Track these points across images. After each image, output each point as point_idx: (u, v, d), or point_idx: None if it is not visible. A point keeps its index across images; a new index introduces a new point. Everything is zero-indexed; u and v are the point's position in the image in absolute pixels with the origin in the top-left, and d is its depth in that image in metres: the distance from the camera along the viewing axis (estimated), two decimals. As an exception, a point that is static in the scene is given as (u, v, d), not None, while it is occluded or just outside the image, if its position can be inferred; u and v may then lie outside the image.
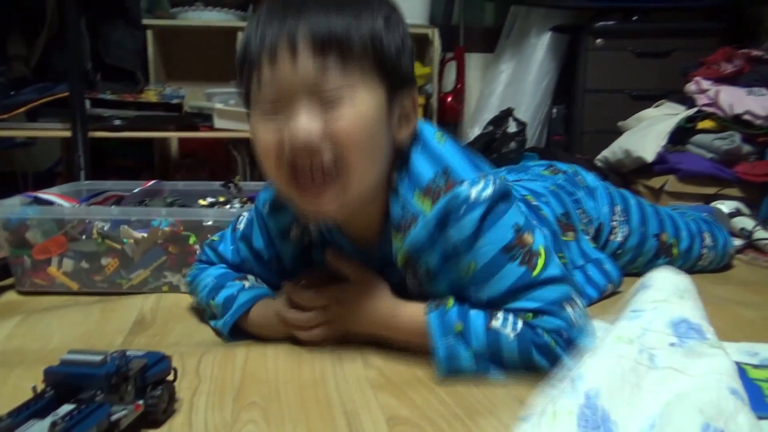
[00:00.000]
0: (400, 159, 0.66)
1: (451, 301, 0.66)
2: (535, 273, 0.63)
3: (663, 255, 1.04)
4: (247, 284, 0.77)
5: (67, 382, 0.50)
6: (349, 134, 0.59)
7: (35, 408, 0.48)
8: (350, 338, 0.71)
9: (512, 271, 0.63)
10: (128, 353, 0.53)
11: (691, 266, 1.06)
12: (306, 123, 0.58)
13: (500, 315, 0.64)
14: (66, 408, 0.48)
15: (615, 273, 0.92)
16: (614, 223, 0.99)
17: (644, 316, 0.55)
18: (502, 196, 0.64)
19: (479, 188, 0.63)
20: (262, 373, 0.64)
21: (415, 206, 0.64)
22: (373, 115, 0.60)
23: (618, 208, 1.00)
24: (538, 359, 0.62)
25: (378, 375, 0.64)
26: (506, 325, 0.62)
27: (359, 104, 0.59)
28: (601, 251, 0.96)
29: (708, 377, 0.48)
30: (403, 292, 0.70)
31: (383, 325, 0.69)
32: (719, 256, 1.10)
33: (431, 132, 0.68)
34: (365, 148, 0.61)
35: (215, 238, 0.85)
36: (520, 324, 0.62)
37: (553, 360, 0.61)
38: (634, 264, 1.03)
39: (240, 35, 2.20)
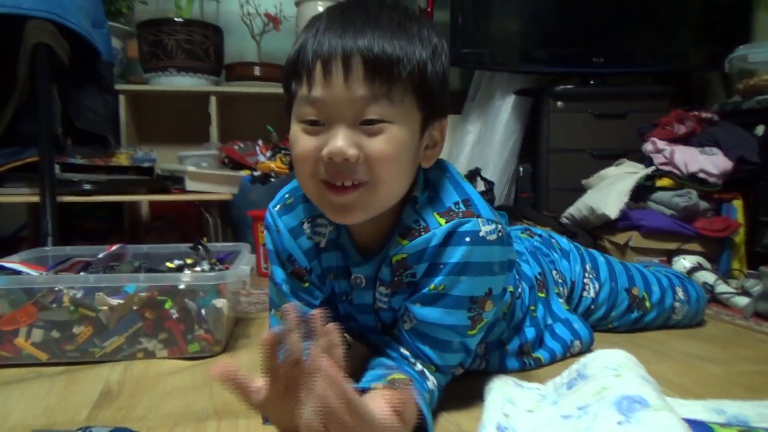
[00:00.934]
0: (425, 180, 0.71)
1: (401, 376, 0.64)
2: (470, 332, 0.69)
3: (636, 308, 1.07)
4: None
5: None
6: (383, 158, 0.63)
7: None
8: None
9: (460, 317, 0.68)
10: (93, 430, 0.52)
11: (665, 319, 1.10)
12: (345, 146, 0.61)
13: (423, 370, 0.68)
14: None
15: (584, 332, 0.94)
16: (586, 280, 1.04)
17: (590, 409, 0.60)
18: (510, 264, 0.71)
19: (489, 229, 0.67)
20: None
21: (431, 220, 0.68)
22: (406, 141, 0.64)
23: (588, 266, 1.05)
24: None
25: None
26: (432, 383, 0.68)
27: (396, 131, 0.63)
28: (574, 311, 1.00)
29: None
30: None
31: None
32: (693, 310, 1.13)
33: (455, 170, 0.74)
34: (395, 170, 0.65)
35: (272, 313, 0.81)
36: (435, 381, 0.69)
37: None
38: (608, 319, 1.06)
39: (212, 99, 2.25)
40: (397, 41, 0.61)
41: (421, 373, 0.68)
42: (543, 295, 0.93)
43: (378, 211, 0.68)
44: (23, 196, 1.61)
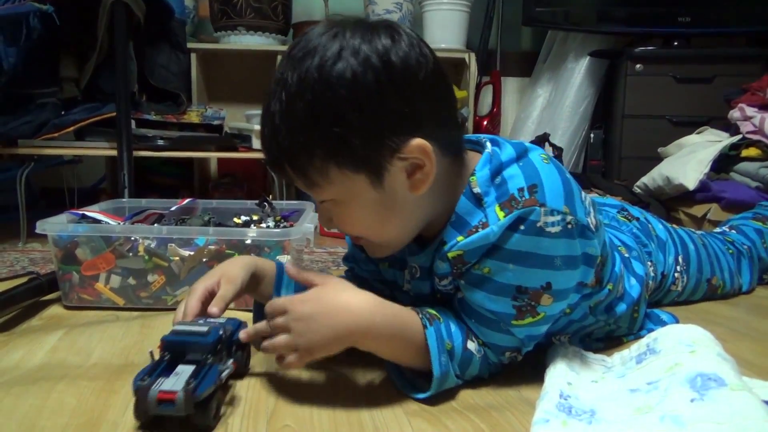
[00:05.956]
0: (497, 165, 0.65)
1: (435, 313, 0.66)
2: (515, 322, 0.65)
3: (709, 291, 1.05)
4: None
5: (179, 348, 0.60)
6: (348, 228, 0.67)
7: (159, 369, 0.58)
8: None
9: (503, 304, 0.64)
10: (220, 321, 0.65)
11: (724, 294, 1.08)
12: (322, 222, 0.69)
13: (471, 333, 0.67)
14: (182, 368, 0.57)
15: (672, 323, 0.88)
16: (677, 274, 0.99)
17: (660, 385, 0.58)
18: (588, 258, 0.67)
19: (552, 219, 0.61)
20: (297, 397, 0.64)
21: (491, 215, 0.63)
22: (360, 205, 0.63)
23: (680, 258, 0.99)
24: (485, 375, 0.69)
25: (412, 403, 0.63)
26: (474, 347, 0.66)
27: (345, 204, 0.64)
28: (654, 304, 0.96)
29: (735, 424, 0.48)
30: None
31: (358, 329, 0.60)
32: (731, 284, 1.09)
33: (537, 152, 0.67)
34: (371, 228, 0.66)
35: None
36: (480, 350, 0.67)
37: (492, 375, 0.69)
38: (678, 299, 1.03)
39: (279, 59, 2.26)
40: (296, 135, 0.59)
41: (467, 332, 0.66)
42: (645, 296, 0.87)
43: (401, 244, 0.69)
44: (102, 149, 1.69)
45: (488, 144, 0.68)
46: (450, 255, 0.65)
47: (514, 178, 0.63)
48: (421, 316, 0.64)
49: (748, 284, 1.11)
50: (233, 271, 0.73)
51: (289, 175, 0.63)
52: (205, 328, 0.61)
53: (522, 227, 0.61)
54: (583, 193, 0.68)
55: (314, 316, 0.60)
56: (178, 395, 0.53)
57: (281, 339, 0.61)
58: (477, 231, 0.63)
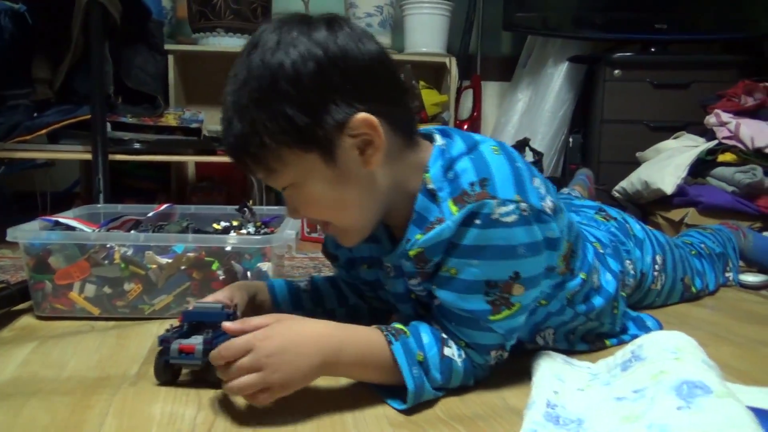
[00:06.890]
0: (448, 160, 0.66)
1: (401, 327, 0.66)
2: (492, 317, 0.65)
3: (685, 294, 1.07)
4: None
5: (198, 320, 0.69)
6: (311, 212, 0.68)
7: (179, 334, 0.68)
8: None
9: (477, 302, 0.64)
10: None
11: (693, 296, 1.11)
12: (288, 212, 0.70)
13: (447, 338, 0.67)
14: (198, 336, 0.67)
15: (656, 328, 0.89)
16: (655, 273, 0.99)
17: (647, 393, 0.58)
18: (551, 242, 0.66)
19: (505, 210, 0.62)
20: (280, 410, 0.63)
21: (446, 210, 0.64)
22: (319, 185, 0.64)
23: (658, 258, 1.00)
24: (470, 382, 0.68)
25: (397, 413, 0.62)
26: (453, 353, 0.66)
27: (303, 186, 0.65)
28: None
29: None
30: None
31: (330, 355, 0.61)
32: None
33: (488, 144, 0.68)
34: (332, 210, 0.67)
35: None
36: (462, 351, 0.67)
37: (478, 381, 0.69)
38: (657, 299, 1.03)
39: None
40: (245, 123, 0.61)
41: (442, 339, 0.66)
42: (624, 293, 0.88)
43: (368, 230, 0.70)
44: (76, 153, 1.65)
45: (438, 137, 0.69)
46: (411, 253, 0.66)
47: (466, 172, 0.65)
48: (385, 333, 0.64)
49: (714, 283, 1.15)
50: (234, 287, 0.79)
51: (249, 166, 0.64)
52: (220, 305, 0.70)
53: (477, 221, 0.62)
54: (537, 179, 0.68)
55: (286, 349, 0.59)
56: (197, 346, 0.64)
57: (251, 378, 0.58)
58: (434, 227, 0.64)
